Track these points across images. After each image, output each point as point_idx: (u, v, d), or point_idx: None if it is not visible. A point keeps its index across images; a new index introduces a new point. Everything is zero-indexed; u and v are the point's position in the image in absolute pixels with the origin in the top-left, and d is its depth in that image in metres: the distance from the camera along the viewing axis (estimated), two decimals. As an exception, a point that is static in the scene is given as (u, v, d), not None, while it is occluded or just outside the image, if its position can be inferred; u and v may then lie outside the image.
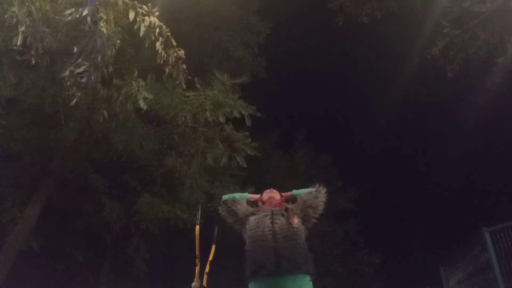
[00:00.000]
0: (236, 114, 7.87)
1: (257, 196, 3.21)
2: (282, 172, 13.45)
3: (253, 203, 3.11)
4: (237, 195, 3.18)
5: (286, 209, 2.82)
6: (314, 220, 2.94)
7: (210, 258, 3.92)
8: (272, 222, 2.73)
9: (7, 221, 8.06)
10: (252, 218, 2.84)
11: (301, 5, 10.71)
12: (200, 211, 4.32)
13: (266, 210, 2.86)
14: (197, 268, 3.70)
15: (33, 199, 7.90)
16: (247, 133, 8.49)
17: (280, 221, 2.74)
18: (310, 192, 3.04)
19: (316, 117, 18.68)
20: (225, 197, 3.15)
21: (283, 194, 3.17)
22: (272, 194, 3.05)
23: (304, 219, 2.88)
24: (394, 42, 10.49)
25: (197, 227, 4.01)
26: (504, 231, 5.50)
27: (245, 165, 8.40)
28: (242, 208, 2.99)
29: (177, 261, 12.24)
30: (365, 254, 14.85)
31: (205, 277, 3.77)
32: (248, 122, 8.03)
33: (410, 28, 9.00)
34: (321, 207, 2.96)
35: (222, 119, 7.84)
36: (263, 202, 3.05)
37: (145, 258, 10.24)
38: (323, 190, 3.04)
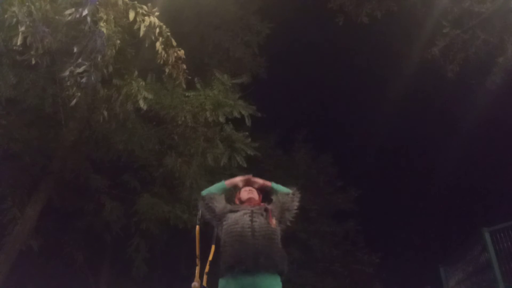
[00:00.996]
0: (236, 114, 7.87)
1: (236, 179, 3.21)
2: (282, 172, 13.45)
3: (231, 200, 3.11)
4: (214, 186, 3.18)
5: (266, 209, 2.88)
6: (288, 223, 3.01)
7: (210, 258, 3.92)
8: (251, 220, 2.77)
9: (7, 221, 8.07)
10: (231, 215, 2.87)
11: (301, 5, 10.71)
12: (200, 211, 4.32)
13: (246, 208, 2.90)
14: (197, 268, 3.71)
15: (33, 199, 7.90)
16: (247, 133, 8.48)
17: (259, 219, 2.79)
18: (287, 194, 3.07)
19: (316, 117, 18.69)
20: (204, 192, 3.16)
21: (262, 181, 3.18)
22: (251, 195, 3.07)
23: (280, 221, 2.94)
24: (394, 42, 10.48)
25: (197, 227, 4.01)
26: (504, 231, 5.49)
27: (245, 165, 8.39)
28: (220, 205, 3.01)
29: (177, 261, 12.26)
30: (365, 254, 14.85)
31: (205, 277, 3.77)
32: (248, 122, 8.03)
33: (410, 28, 8.99)
34: (295, 211, 3.04)
35: (222, 119, 7.84)
36: (242, 201, 3.06)
37: (145, 258, 10.25)
38: (299, 195, 3.10)
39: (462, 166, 16.04)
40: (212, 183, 9.75)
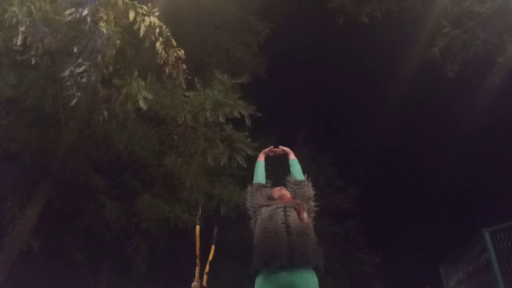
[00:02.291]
0: (236, 114, 7.88)
1: (264, 150, 3.52)
2: (282, 172, 13.44)
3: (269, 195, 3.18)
4: (256, 170, 3.38)
5: (297, 204, 2.92)
6: (316, 209, 3.10)
7: (210, 258, 3.93)
8: (285, 215, 2.78)
9: (7, 221, 8.06)
10: (264, 210, 2.89)
11: (301, 5, 10.72)
12: (200, 211, 4.34)
13: (279, 203, 2.93)
14: (197, 268, 3.72)
15: (33, 199, 7.89)
16: (247, 133, 8.49)
17: (293, 214, 2.81)
18: (303, 182, 3.22)
19: (316, 117, 18.69)
20: (255, 180, 3.30)
21: (287, 150, 3.48)
22: (283, 192, 3.13)
23: (309, 212, 3.00)
24: (394, 42, 10.49)
25: (197, 227, 4.02)
26: (504, 231, 5.49)
27: (245, 165, 8.40)
28: (261, 198, 3.08)
29: (177, 261, 12.26)
30: (365, 254, 14.86)
31: (205, 277, 3.78)
32: (248, 122, 8.03)
33: (410, 28, 9.00)
34: (314, 197, 3.17)
35: (222, 119, 7.84)
36: (274, 199, 3.10)
37: (145, 258, 10.24)
38: (310, 181, 3.26)
39: (462, 166, 16.03)
40: (212, 183, 9.72)
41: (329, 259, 13.81)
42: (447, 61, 8.29)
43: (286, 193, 3.11)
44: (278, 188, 3.19)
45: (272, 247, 2.66)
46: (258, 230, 2.84)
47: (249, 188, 3.22)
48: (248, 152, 8.33)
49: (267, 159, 3.50)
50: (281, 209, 2.82)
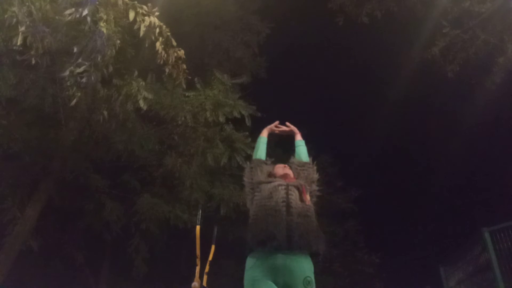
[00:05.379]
0: (236, 114, 7.88)
1: (268, 126, 3.26)
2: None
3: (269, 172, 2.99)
4: (257, 145, 3.17)
5: (300, 185, 2.72)
6: (318, 193, 2.93)
7: (210, 258, 3.94)
8: (287, 193, 2.59)
9: (7, 221, 8.06)
10: (264, 186, 2.69)
11: (301, 5, 10.72)
12: (200, 211, 4.34)
13: (281, 181, 2.72)
14: (197, 268, 3.72)
15: (33, 199, 7.90)
16: (247, 133, 8.49)
17: (295, 194, 2.62)
18: (308, 164, 3.04)
19: (316, 117, 18.71)
20: (255, 156, 3.12)
21: (294, 129, 3.24)
22: (287, 171, 2.92)
23: (311, 195, 2.81)
24: (394, 42, 10.49)
25: (198, 227, 4.02)
26: (504, 231, 5.48)
27: (245, 165, 8.39)
28: (260, 175, 2.88)
29: (177, 261, 12.27)
30: (365, 254, 14.87)
31: (205, 277, 3.79)
32: (248, 122, 8.04)
33: (410, 28, 9.00)
34: (317, 181, 3.00)
35: (222, 119, 7.85)
36: (275, 177, 2.89)
37: (145, 258, 10.25)
38: (315, 165, 3.07)
39: (462, 166, 16.05)
40: (212, 183, 9.70)
41: (329, 259, 13.83)
42: (447, 61, 8.28)
43: (290, 172, 2.90)
44: (282, 165, 2.98)
45: (270, 226, 2.44)
46: (256, 207, 2.62)
47: (248, 163, 3.03)
48: (248, 152, 8.32)
49: (270, 136, 3.27)
50: (283, 187, 2.62)
